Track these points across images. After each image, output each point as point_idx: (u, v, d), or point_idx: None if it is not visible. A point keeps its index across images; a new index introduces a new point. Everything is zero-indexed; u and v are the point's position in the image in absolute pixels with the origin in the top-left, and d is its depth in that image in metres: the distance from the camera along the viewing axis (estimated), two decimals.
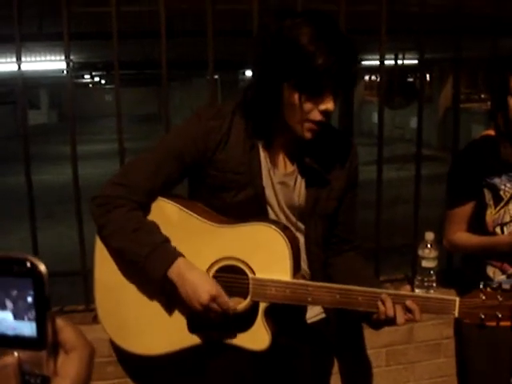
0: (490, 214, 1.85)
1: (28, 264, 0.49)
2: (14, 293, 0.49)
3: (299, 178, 1.49)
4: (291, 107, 1.36)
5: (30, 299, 0.49)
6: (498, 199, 1.83)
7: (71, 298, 2.16)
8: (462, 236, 1.91)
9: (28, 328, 0.50)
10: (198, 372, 1.60)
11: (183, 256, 1.42)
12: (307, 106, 1.34)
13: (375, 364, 2.15)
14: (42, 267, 0.49)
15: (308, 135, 1.39)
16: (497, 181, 1.83)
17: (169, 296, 1.47)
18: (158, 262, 1.40)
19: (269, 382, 1.61)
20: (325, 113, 1.36)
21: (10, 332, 0.50)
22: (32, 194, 2.07)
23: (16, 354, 0.49)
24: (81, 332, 0.52)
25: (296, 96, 1.34)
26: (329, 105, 1.35)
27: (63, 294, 2.21)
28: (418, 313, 1.35)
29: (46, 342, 0.49)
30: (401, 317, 1.35)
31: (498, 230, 1.84)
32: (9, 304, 0.49)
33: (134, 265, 1.45)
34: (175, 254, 1.41)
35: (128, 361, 1.87)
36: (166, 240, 1.43)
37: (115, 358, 1.90)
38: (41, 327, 0.49)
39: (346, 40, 1.35)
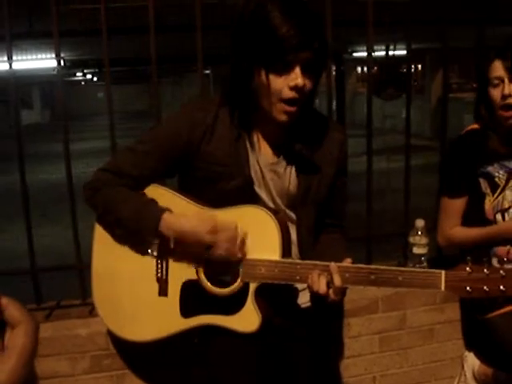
0: (489, 202, 1.86)
1: None
2: None
3: (289, 166, 1.50)
4: (263, 89, 1.35)
5: None
6: (494, 186, 1.86)
7: (68, 293, 2.18)
8: (460, 230, 1.92)
9: None
10: (196, 360, 1.62)
11: (170, 211, 1.44)
12: (276, 83, 1.33)
13: (369, 350, 2.18)
14: None
15: (283, 117, 1.38)
16: (490, 169, 1.86)
17: (163, 278, 1.50)
18: (149, 216, 1.42)
19: (267, 366, 1.63)
20: (295, 89, 1.33)
21: None
22: (26, 194, 2.08)
23: None
24: (24, 308, 0.56)
25: (264, 75, 1.33)
26: (297, 80, 1.32)
27: (60, 290, 2.24)
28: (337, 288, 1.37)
29: None
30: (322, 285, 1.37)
31: (498, 216, 1.86)
32: None
33: (128, 228, 1.47)
34: (163, 209, 1.43)
35: (128, 352, 1.90)
36: (155, 200, 1.46)
37: (112, 350, 1.92)
38: None
39: (311, 14, 1.34)
